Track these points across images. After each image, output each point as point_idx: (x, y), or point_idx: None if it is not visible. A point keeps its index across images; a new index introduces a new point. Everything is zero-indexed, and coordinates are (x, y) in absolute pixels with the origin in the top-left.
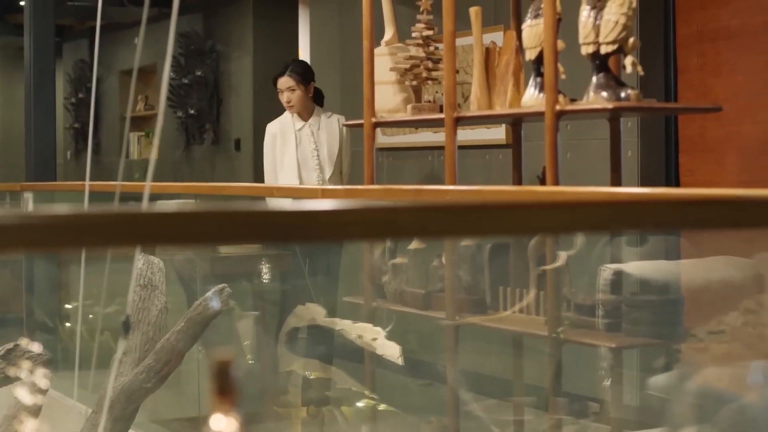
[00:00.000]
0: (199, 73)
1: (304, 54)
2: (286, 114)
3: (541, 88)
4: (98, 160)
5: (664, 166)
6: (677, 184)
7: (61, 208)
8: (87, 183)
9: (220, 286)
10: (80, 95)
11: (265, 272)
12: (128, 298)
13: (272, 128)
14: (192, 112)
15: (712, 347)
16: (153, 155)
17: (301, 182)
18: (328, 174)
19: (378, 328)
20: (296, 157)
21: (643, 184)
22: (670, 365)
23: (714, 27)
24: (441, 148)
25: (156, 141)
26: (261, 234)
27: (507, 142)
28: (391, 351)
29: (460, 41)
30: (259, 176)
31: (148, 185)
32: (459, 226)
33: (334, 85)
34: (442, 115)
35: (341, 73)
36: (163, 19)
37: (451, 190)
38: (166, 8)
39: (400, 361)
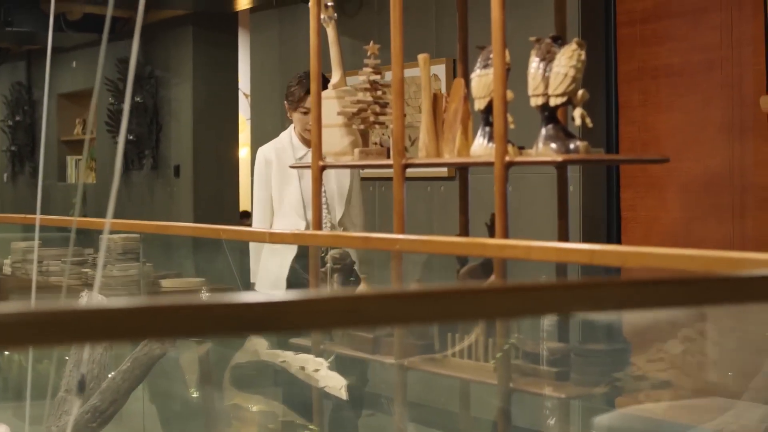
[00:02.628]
0: (138, 99)
1: (244, 81)
2: (283, 136)
3: (490, 138)
4: (34, 183)
5: (605, 201)
6: (618, 219)
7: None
8: (38, 216)
9: None
10: (17, 118)
11: (202, 293)
12: (74, 355)
13: (266, 154)
14: (131, 137)
15: (651, 375)
16: (114, 189)
17: (307, 226)
18: (338, 214)
19: (320, 359)
20: (301, 194)
21: (584, 219)
22: (615, 405)
23: (655, 64)
24: (384, 179)
25: (117, 173)
26: (229, 326)
27: (449, 175)
28: (334, 382)
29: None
30: (198, 202)
31: (108, 222)
32: (424, 313)
33: (275, 114)
34: (390, 161)
35: (282, 102)
36: (101, 43)
37: (400, 239)
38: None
39: (343, 392)
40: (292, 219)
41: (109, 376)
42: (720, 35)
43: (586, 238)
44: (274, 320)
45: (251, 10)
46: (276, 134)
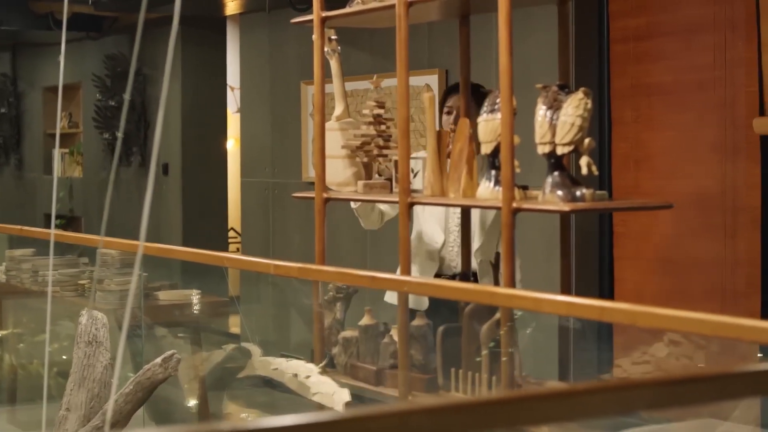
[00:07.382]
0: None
1: (233, 81)
2: None
3: (497, 181)
4: (21, 176)
5: (597, 217)
6: (611, 235)
7: None
8: (52, 232)
9: (170, 352)
10: (2, 109)
11: (196, 304)
12: (75, 374)
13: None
14: (119, 134)
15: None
16: (144, 216)
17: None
18: (476, 244)
19: (311, 365)
20: (444, 214)
21: (577, 234)
22: None
23: (648, 82)
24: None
25: (151, 175)
26: None
27: None
28: (326, 388)
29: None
30: (187, 199)
31: (141, 245)
32: (475, 423)
33: (265, 117)
34: (395, 198)
35: (271, 105)
36: (88, 40)
37: (408, 281)
38: (93, 32)
39: (335, 400)
40: (433, 226)
41: (113, 398)
42: (713, 56)
43: (579, 253)
44: None
45: (241, 13)
46: (264, 131)
